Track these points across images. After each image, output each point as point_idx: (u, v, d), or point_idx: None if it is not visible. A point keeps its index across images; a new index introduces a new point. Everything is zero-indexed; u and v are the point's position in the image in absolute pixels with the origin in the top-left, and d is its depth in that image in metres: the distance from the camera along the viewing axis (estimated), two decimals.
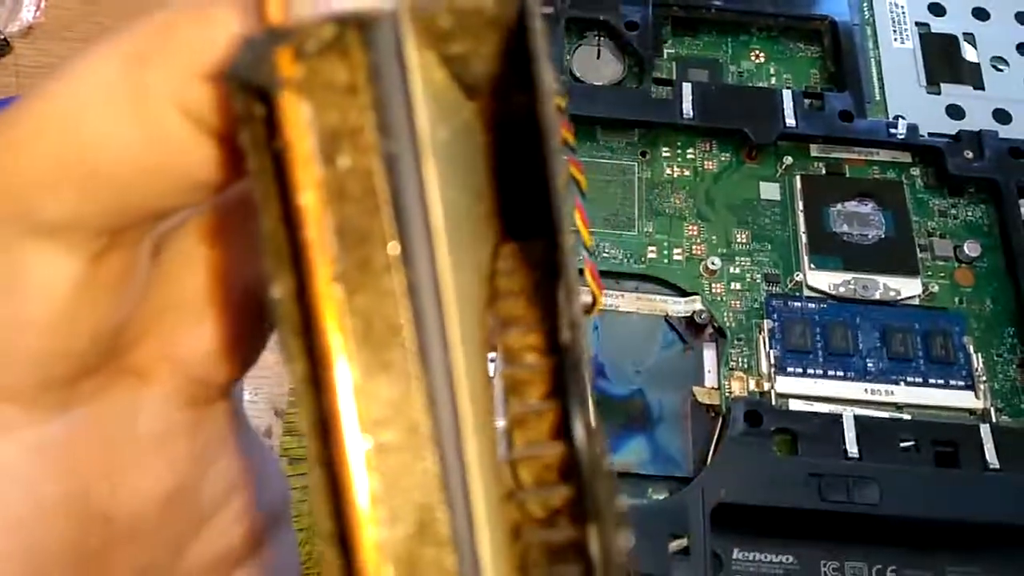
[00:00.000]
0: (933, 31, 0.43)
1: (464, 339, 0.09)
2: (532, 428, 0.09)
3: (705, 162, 0.40)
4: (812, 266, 0.37)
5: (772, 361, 0.35)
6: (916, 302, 0.37)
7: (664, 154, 0.40)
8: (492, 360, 0.10)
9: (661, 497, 0.33)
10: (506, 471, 0.09)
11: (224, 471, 0.13)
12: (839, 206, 0.38)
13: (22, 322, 0.10)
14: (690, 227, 0.38)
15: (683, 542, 0.31)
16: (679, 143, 0.40)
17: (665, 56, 0.42)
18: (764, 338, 0.35)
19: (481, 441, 0.09)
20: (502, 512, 0.09)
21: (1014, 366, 0.36)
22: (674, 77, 0.41)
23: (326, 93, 0.08)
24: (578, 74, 0.41)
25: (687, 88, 0.39)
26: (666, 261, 0.37)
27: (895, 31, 0.43)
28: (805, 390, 0.35)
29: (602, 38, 0.41)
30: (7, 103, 0.39)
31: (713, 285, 0.37)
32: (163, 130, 0.09)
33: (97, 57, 0.09)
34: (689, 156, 0.40)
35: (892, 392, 0.35)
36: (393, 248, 0.08)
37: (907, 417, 0.34)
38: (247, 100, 0.08)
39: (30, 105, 0.10)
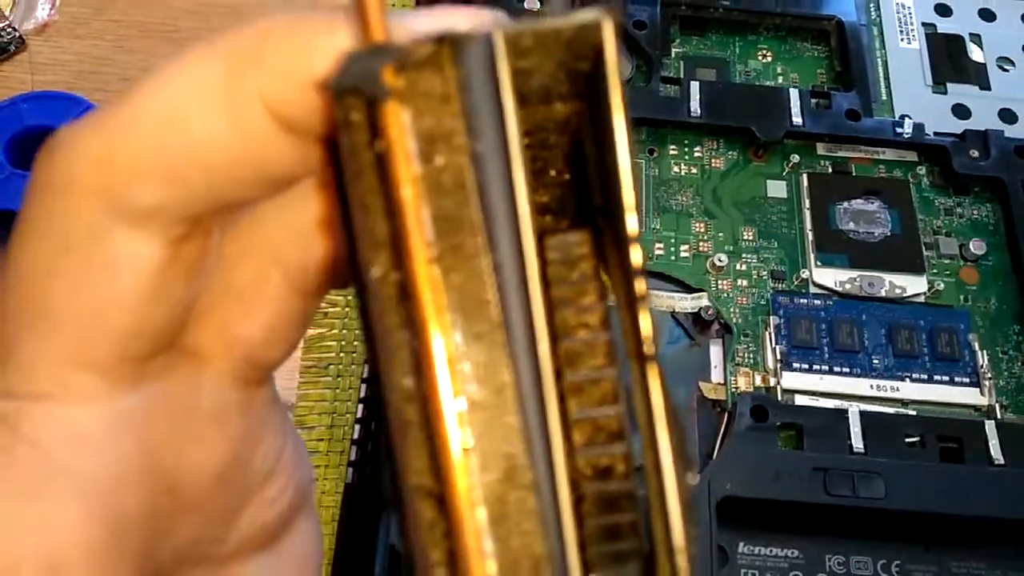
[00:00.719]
0: (939, 31, 0.43)
1: (541, 308, 0.10)
2: (587, 395, 0.10)
3: (712, 160, 0.40)
4: (818, 263, 0.37)
5: (778, 357, 0.35)
6: (922, 300, 0.37)
7: (672, 152, 0.40)
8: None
9: None
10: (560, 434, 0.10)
11: (268, 449, 0.14)
12: (845, 204, 0.39)
13: (110, 300, 0.11)
14: (697, 224, 0.38)
15: None
16: (686, 141, 0.40)
17: (673, 55, 0.42)
18: (770, 334, 0.36)
19: (555, 400, 0.10)
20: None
21: (1019, 363, 0.36)
22: (682, 76, 0.41)
23: (423, 101, 0.09)
24: None
25: (695, 87, 0.39)
26: (673, 258, 0.38)
27: (901, 31, 0.43)
28: (811, 386, 0.35)
29: None
30: (23, 99, 0.40)
31: (720, 282, 0.37)
32: (252, 128, 0.10)
33: (198, 57, 0.11)
34: (696, 154, 0.40)
35: (897, 388, 0.35)
36: (481, 236, 0.10)
37: (912, 413, 0.35)
38: (353, 106, 0.09)
39: (130, 98, 0.11)
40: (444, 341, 0.09)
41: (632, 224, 0.10)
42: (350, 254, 0.11)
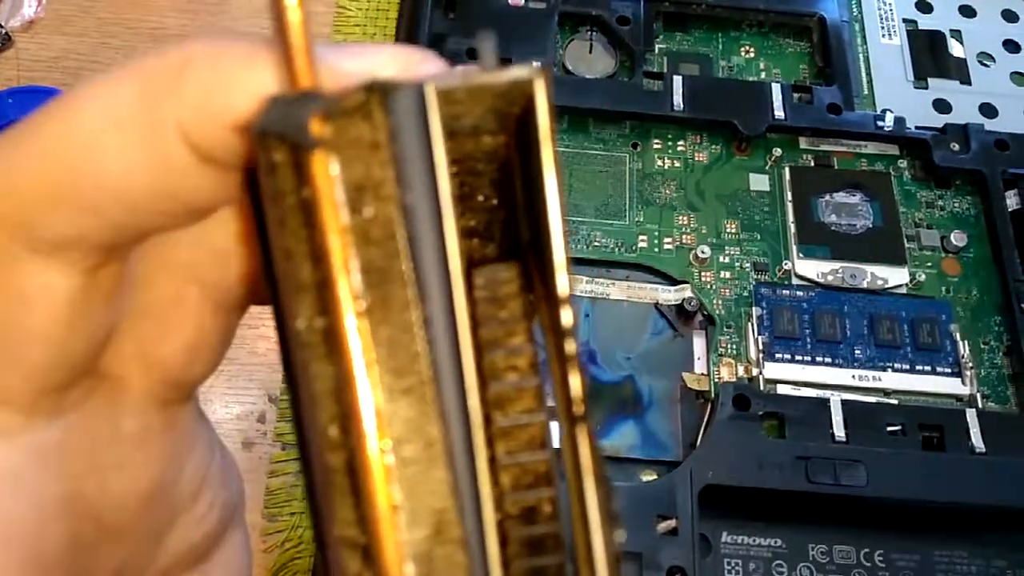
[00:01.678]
0: (920, 27, 0.43)
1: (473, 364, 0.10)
2: (515, 439, 0.10)
3: (696, 154, 0.40)
4: (801, 255, 0.38)
5: (760, 347, 0.35)
6: (903, 291, 0.37)
7: (655, 146, 0.40)
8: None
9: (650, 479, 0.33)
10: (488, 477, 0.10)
11: (194, 468, 0.13)
12: (827, 197, 0.39)
13: (24, 333, 0.11)
14: (680, 217, 0.39)
15: (671, 523, 0.31)
16: (670, 135, 0.40)
17: (656, 51, 0.42)
18: (753, 325, 0.36)
19: (484, 455, 0.10)
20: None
21: (1000, 354, 0.36)
22: (665, 71, 0.41)
23: (352, 149, 0.09)
24: (570, 67, 0.41)
25: (678, 81, 0.40)
26: (657, 250, 0.38)
27: (883, 27, 0.43)
28: (793, 376, 0.35)
29: (594, 33, 0.42)
30: (9, 94, 0.40)
31: (703, 274, 0.37)
32: (169, 159, 0.10)
33: (113, 81, 0.10)
34: (680, 148, 0.40)
35: (879, 378, 0.35)
36: (410, 288, 0.09)
37: (894, 402, 0.35)
38: (277, 149, 0.09)
39: (40, 123, 0.10)
40: (373, 397, 0.09)
41: (563, 285, 0.09)
42: (270, 293, 0.10)
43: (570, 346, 0.10)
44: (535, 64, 0.10)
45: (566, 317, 0.10)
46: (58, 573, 0.11)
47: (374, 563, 0.09)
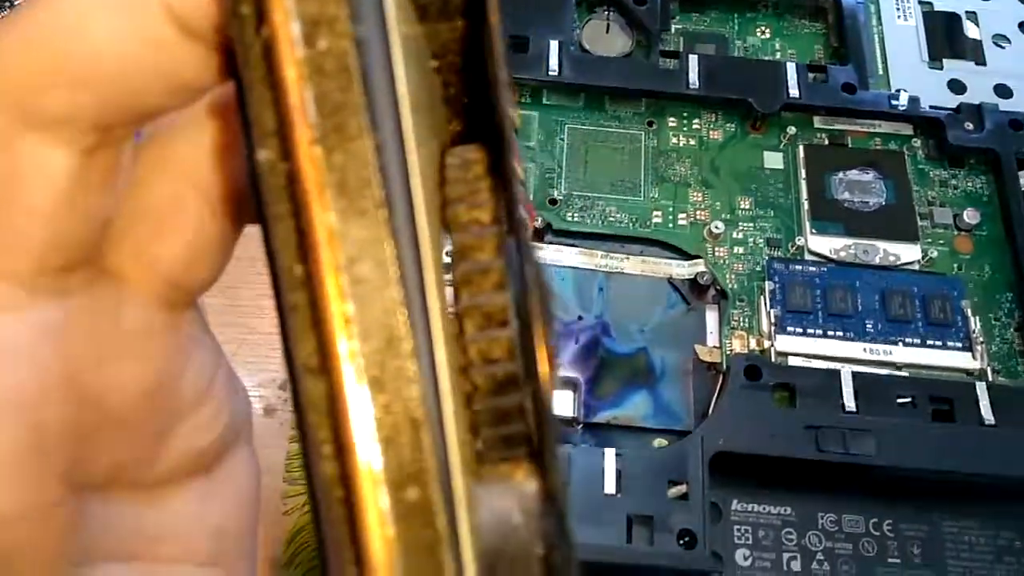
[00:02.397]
0: (936, 9, 0.44)
1: (425, 198, 0.10)
2: (476, 285, 0.11)
3: (710, 132, 0.41)
4: (814, 231, 0.38)
5: (772, 320, 0.36)
6: (916, 267, 0.38)
7: (671, 124, 0.41)
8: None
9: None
10: (454, 322, 0.11)
11: (198, 374, 0.14)
12: (841, 174, 0.39)
13: (25, 209, 0.11)
14: (695, 194, 0.39)
15: (682, 488, 0.32)
16: (685, 113, 0.41)
17: (673, 31, 0.43)
18: (765, 299, 0.36)
19: (436, 281, 0.10)
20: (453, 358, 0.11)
21: (1011, 330, 0.37)
22: (681, 51, 0.42)
23: None
24: (587, 46, 0.42)
25: (693, 60, 0.40)
26: (671, 225, 0.38)
27: (898, 8, 0.44)
28: (804, 348, 0.35)
29: (611, 12, 0.43)
30: None
31: (716, 249, 0.38)
32: (153, 32, 0.11)
33: None
34: (695, 126, 0.41)
35: (890, 352, 0.36)
36: (363, 116, 0.10)
37: (905, 375, 0.35)
38: (244, 3, 0.10)
39: (32, 9, 0.11)
40: (324, 217, 0.10)
41: (503, 74, 0.10)
42: (247, 155, 0.11)
43: (511, 131, 0.10)
44: None
45: (510, 128, 0.10)
46: (59, 445, 0.12)
47: (332, 382, 0.10)
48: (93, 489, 0.13)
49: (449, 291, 0.11)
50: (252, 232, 0.12)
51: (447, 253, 0.11)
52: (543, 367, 0.10)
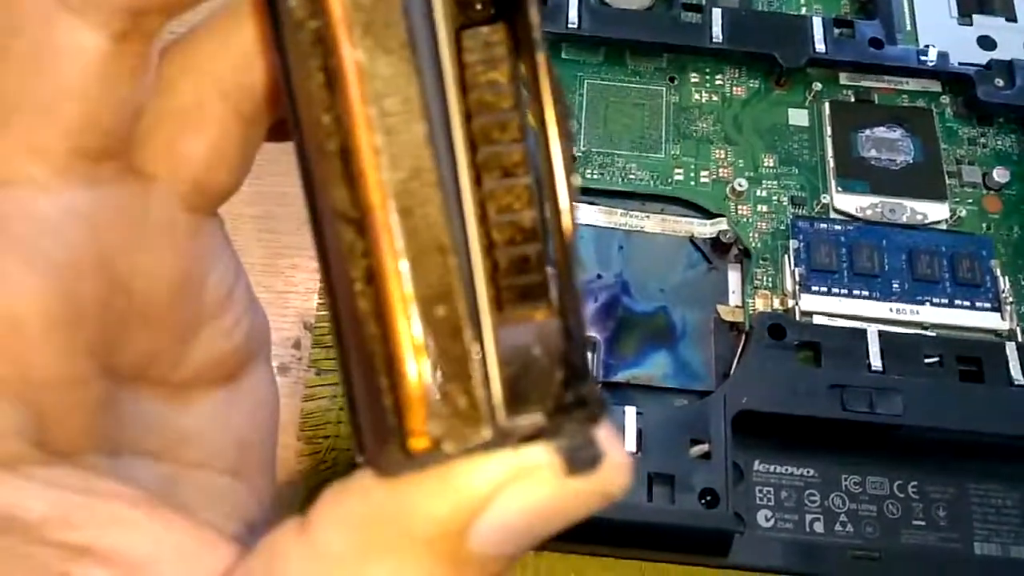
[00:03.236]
0: None
1: (447, 46, 0.11)
2: (494, 138, 0.11)
3: (734, 88, 0.40)
4: (839, 189, 0.37)
5: (797, 279, 0.35)
6: (943, 227, 0.37)
7: (693, 80, 0.40)
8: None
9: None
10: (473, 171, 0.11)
11: (220, 279, 0.15)
12: (868, 132, 0.38)
13: (59, 88, 0.12)
14: (717, 151, 0.38)
15: (704, 447, 0.31)
16: (708, 69, 0.40)
17: None
18: (789, 258, 0.36)
19: (461, 123, 0.11)
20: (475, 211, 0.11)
21: None
22: (704, 3, 0.41)
23: None
24: None
25: (716, 13, 0.39)
26: (693, 183, 0.38)
27: None
28: (829, 308, 0.35)
29: None
30: None
31: (739, 207, 0.37)
32: None
33: None
34: (718, 82, 0.40)
35: (917, 312, 0.35)
36: None
37: (932, 335, 0.34)
38: None
39: None
40: (353, 52, 0.10)
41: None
42: (274, 46, 0.11)
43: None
44: None
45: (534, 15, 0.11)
46: (91, 320, 0.12)
47: (363, 218, 0.10)
48: (122, 380, 0.13)
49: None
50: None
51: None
52: (564, 211, 0.11)
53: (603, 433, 0.11)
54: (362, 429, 0.11)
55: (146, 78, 0.12)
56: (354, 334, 0.10)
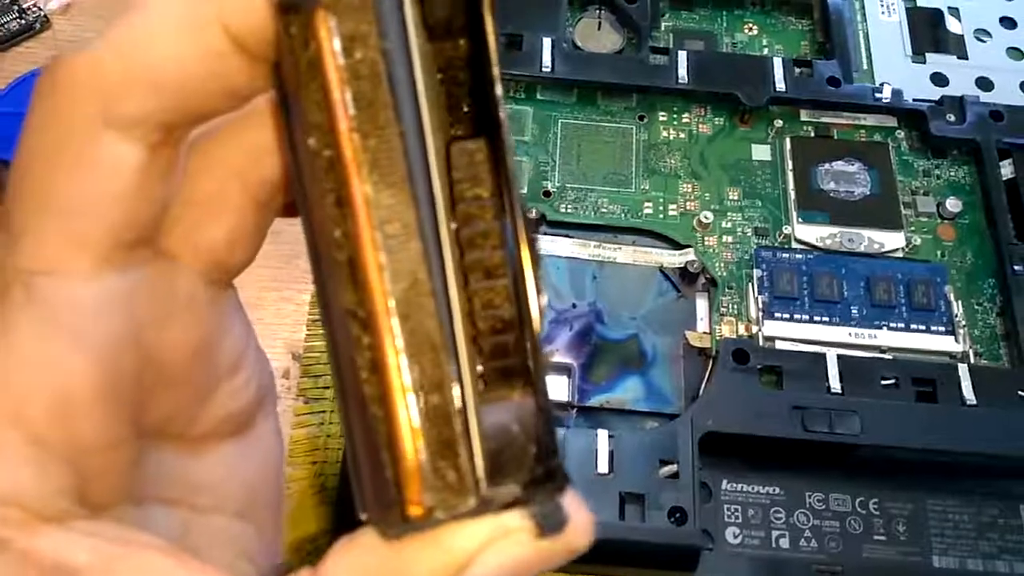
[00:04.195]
0: (919, 5, 0.45)
1: (438, 176, 0.13)
2: (478, 245, 0.13)
3: (700, 125, 0.42)
4: (800, 220, 0.39)
5: (760, 306, 0.37)
6: (900, 255, 0.39)
7: (661, 118, 0.42)
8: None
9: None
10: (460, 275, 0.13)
11: (234, 343, 0.16)
12: (827, 165, 0.40)
13: (101, 193, 0.13)
14: (685, 185, 0.40)
15: (673, 468, 0.33)
16: (675, 108, 0.42)
17: (663, 29, 0.44)
18: (753, 286, 0.37)
19: (449, 239, 0.13)
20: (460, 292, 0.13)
21: (994, 314, 0.38)
22: (671, 47, 0.43)
23: (344, 11, 0.12)
24: (580, 44, 0.43)
25: (683, 56, 0.41)
26: (662, 216, 0.39)
27: (882, 5, 0.45)
28: (792, 333, 0.36)
29: (603, 11, 0.44)
30: None
31: (706, 238, 0.39)
32: (213, 48, 0.13)
33: None
34: (684, 120, 0.42)
35: (875, 336, 0.37)
36: (390, 110, 0.12)
37: (889, 357, 0.36)
38: (293, 22, 0.12)
39: (116, 28, 0.13)
40: (361, 187, 0.12)
41: (496, 72, 0.13)
42: (289, 154, 0.13)
43: (497, 95, 0.13)
44: None
45: (497, 91, 0.13)
46: (129, 391, 0.14)
47: (368, 320, 0.12)
48: (148, 437, 0.15)
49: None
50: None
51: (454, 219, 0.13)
52: (534, 310, 0.13)
53: (569, 499, 0.13)
54: (365, 491, 0.13)
55: (176, 176, 0.14)
56: (360, 412, 0.12)
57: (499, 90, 0.13)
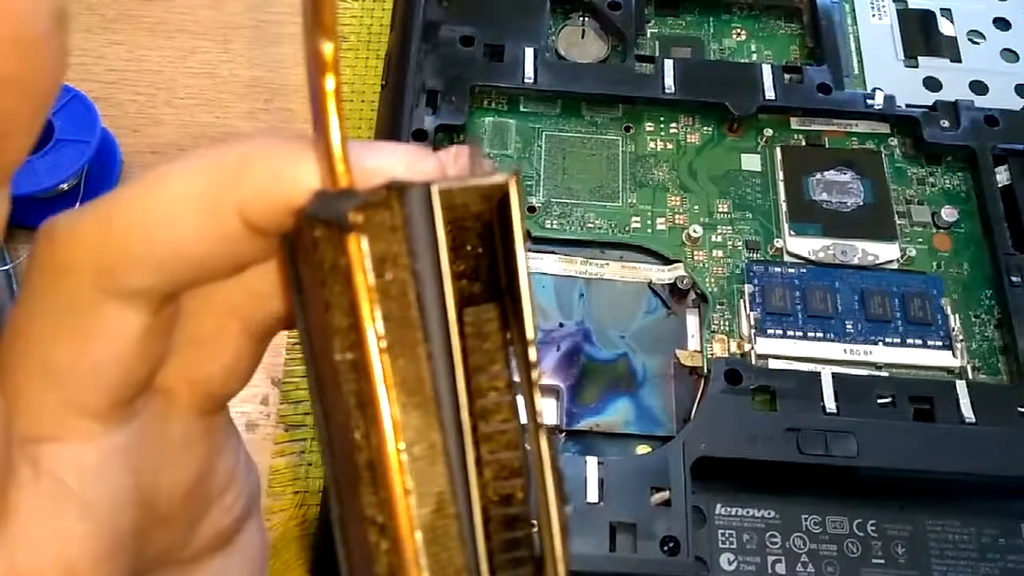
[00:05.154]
0: (910, 7, 0.44)
1: (464, 394, 0.13)
2: (495, 442, 0.13)
3: (688, 136, 0.41)
4: (792, 233, 0.38)
5: (752, 323, 0.36)
6: (894, 266, 0.38)
7: (648, 128, 0.41)
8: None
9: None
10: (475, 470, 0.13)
11: (225, 465, 0.16)
12: (819, 175, 0.39)
13: (103, 360, 0.13)
14: (673, 198, 0.39)
15: (665, 495, 0.32)
16: (662, 118, 0.41)
17: (648, 35, 0.43)
18: (745, 302, 0.36)
19: (473, 455, 0.13)
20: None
21: (992, 326, 0.37)
22: (657, 55, 0.42)
23: (376, 231, 0.12)
24: (563, 53, 0.42)
25: (669, 64, 0.40)
26: (650, 231, 0.38)
27: (873, 7, 0.44)
28: (785, 351, 0.35)
29: (586, 18, 0.43)
30: None
31: (695, 253, 0.38)
32: (228, 232, 0.13)
33: (188, 171, 0.13)
34: (672, 130, 0.41)
35: (870, 352, 0.36)
36: (419, 330, 0.12)
37: (885, 375, 0.35)
38: (318, 230, 0.12)
39: (129, 198, 0.13)
40: (391, 411, 0.12)
41: (530, 330, 0.13)
42: (300, 331, 0.14)
43: (535, 374, 0.13)
44: (511, 169, 0.13)
45: (532, 353, 0.13)
46: (127, 551, 0.14)
47: (390, 534, 0.12)
48: (143, 573, 0.15)
49: None
50: None
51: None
52: (555, 513, 0.13)
53: None
54: None
55: (176, 327, 0.14)
56: None
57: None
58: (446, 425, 0.12)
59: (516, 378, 0.13)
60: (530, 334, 0.13)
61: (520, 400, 0.13)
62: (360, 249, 0.12)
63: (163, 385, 0.14)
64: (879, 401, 0.34)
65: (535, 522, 0.13)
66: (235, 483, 0.16)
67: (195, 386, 0.15)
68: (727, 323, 0.36)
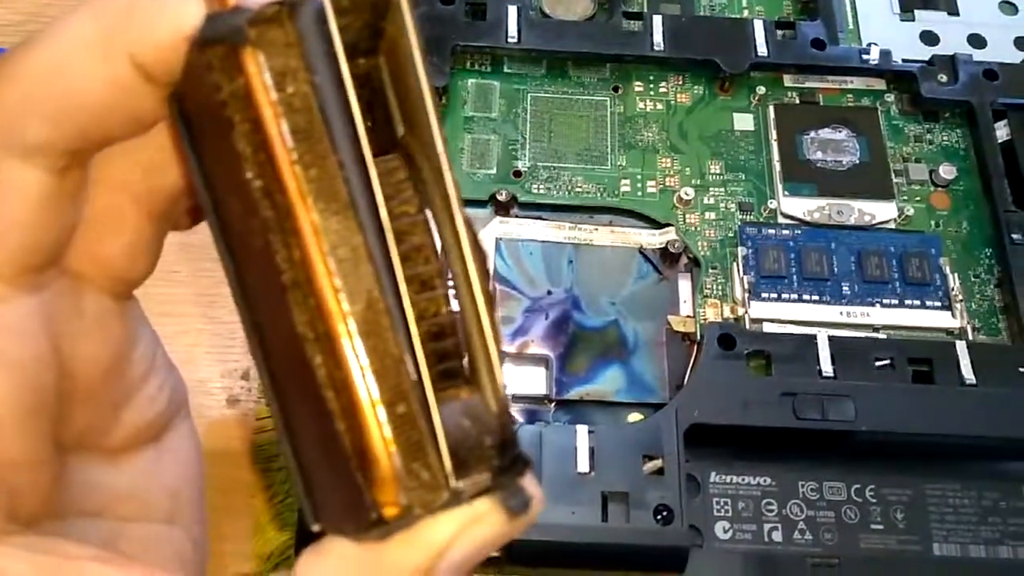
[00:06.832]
0: None
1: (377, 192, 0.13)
2: (412, 260, 0.14)
3: (678, 95, 0.39)
4: (786, 193, 0.37)
5: (746, 287, 0.35)
6: (892, 226, 0.37)
7: (637, 88, 0.39)
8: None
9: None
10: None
11: (143, 353, 0.17)
12: (813, 134, 0.38)
13: (9, 220, 0.13)
14: (663, 160, 0.38)
15: (658, 463, 0.31)
16: (651, 77, 0.39)
17: None
18: (738, 265, 0.35)
19: (396, 256, 0.13)
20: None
21: (991, 286, 0.36)
22: (645, 11, 0.40)
23: (271, 47, 0.12)
24: (547, 11, 0.40)
25: (658, 20, 0.39)
26: (640, 194, 0.37)
27: None
28: (779, 314, 0.35)
29: None
30: None
31: (687, 216, 0.37)
32: (121, 79, 0.13)
33: (77, 20, 0.13)
34: (662, 90, 0.39)
35: (868, 314, 0.35)
36: (327, 140, 0.13)
37: (883, 337, 0.34)
38: (215, 55, 0.12)
39: (24, 53, 0.13)
40: (309, 216, 0.12)
41: (436, 128, 0.13)
42: (201, 192, 0.14)
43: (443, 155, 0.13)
44: None
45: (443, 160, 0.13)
46: (48, 412, 0.14)
47: (325, 340, 0.13)
48: (67, 451, 0.15)
49: None
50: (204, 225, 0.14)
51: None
52: (480, 308, 0.14)
53: (528, 480, 0.14)
54: (321, 502, 0.14)
55: (83, 196, 0.14)
56: (318, 428, 0.13)
57: (430, 101, 0.13)
58: (366, 228, 0.13)
59: (426, 200, 0.14)
60: (434, 123, 0.13)
61: (431, 219, 0.14)
62: (258, 63, 0.12)
63: (73, 266, 0.15)
64: (877, 364, 0.33)
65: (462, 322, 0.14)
66: (155, 374, 0.17)
67: (101, 267, 0.15)
68: (720, 287, 0.35)
